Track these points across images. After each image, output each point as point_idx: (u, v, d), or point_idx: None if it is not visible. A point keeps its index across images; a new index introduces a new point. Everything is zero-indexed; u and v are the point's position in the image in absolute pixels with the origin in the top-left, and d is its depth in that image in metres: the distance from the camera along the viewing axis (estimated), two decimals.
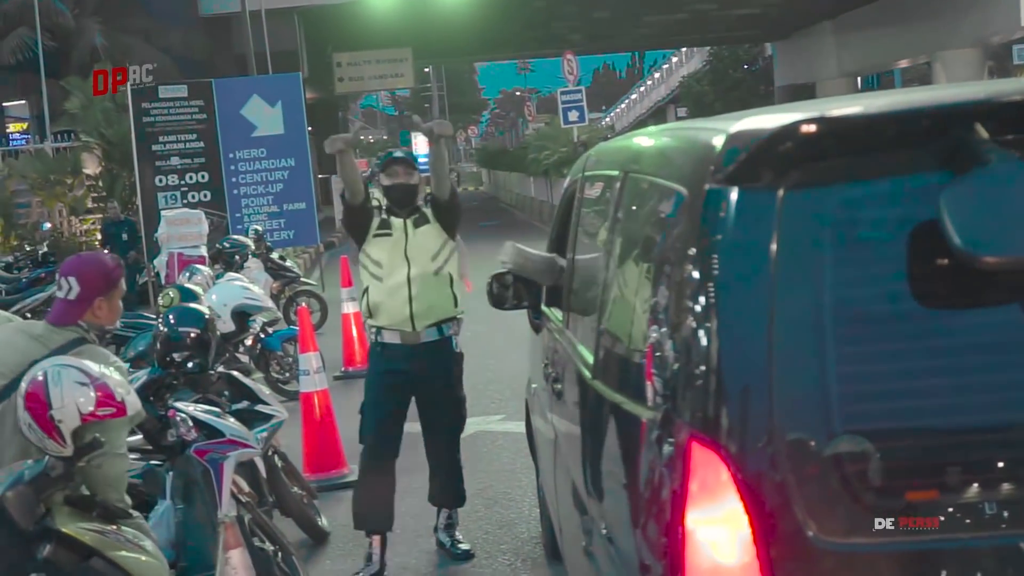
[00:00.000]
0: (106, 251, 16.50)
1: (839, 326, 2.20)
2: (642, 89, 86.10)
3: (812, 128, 2.23)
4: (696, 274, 2.32)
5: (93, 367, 3.97)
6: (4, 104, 37.41)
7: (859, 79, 43.61)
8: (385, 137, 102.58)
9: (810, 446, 2.17)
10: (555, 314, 4.70)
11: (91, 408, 3.88)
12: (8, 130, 39.65)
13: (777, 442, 2.17)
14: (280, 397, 9.90)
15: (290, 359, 10.24)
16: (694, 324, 2.30)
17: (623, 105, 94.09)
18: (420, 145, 67.91)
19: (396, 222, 6.02)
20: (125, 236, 16.98)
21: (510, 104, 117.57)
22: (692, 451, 2.21)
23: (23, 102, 33.36)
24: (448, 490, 6.33)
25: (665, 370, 2.42)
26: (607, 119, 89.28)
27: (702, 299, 2.29)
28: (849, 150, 2.24)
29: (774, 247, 2.23)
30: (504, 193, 46.13)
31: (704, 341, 2.26)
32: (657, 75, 79.19)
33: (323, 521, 6.65)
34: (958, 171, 2.16)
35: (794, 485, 2.15)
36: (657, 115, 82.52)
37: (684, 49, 63.86)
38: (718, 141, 2.40)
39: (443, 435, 6.28)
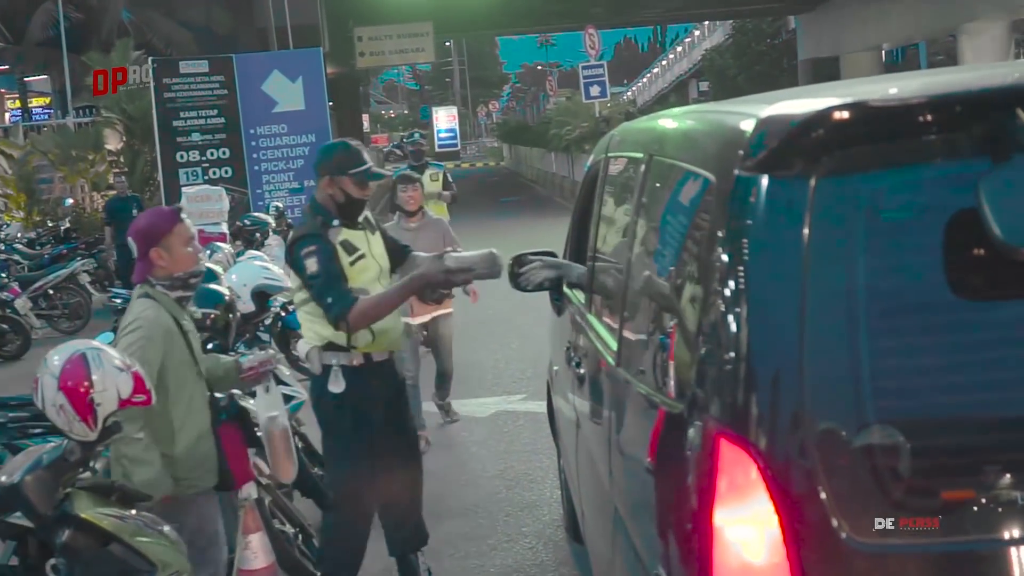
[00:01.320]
0: (110, 228, 16.44)
1: (872, 319, 2.13)
2: (664, 63, 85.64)
3: (845, 114, 2.15)
4: (725, 263, 2.25)
5: (120, 354, 3.97)
6: (26, 79, 37.51)
7: (883, 52, 43.19)
8: (406, 111, 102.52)
9: (842, 443, 2.10)
10: (577, 296, 4.64)
11: (128, 394, 3.87)
12: (30, 103, 39.80)
13: (808, 438, 2.11)
14: (300, 376, 9.88)
15: None
16: (722, 315, 2.23)
17: (645, 79, 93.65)
18: (441, 120, 68.02)
19: (357, 235, 5.02)
20: (135, 212, 16.74)
21: (531, 78, 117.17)
22: (720, 448, 2.14)
23: (45, 77, 33.44)
24: (421, 526, 5.37)
25: (692, 362, 2.35)
26: (629, 93, 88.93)
27: (731, 289, 2.22)
28: (884, 136, 2.16)
29: (805, 236, 2.16)
30: (525, 168, 45.99)
31: (733, 333, 2.19)
32: (679, 49, 78.74)
33: None
34: (997, 158, 2.09)
35: (826, 484, 2.08)
36: (679, 89, 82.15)
37: (707, 23, 63.42)
38: (747, 126, 2.32)
39: (413, 459, 5.32)
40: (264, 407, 4.61)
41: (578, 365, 4.18)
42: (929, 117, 2.13)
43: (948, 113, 2.14)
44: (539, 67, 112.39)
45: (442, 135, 66.21)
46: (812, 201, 2.16)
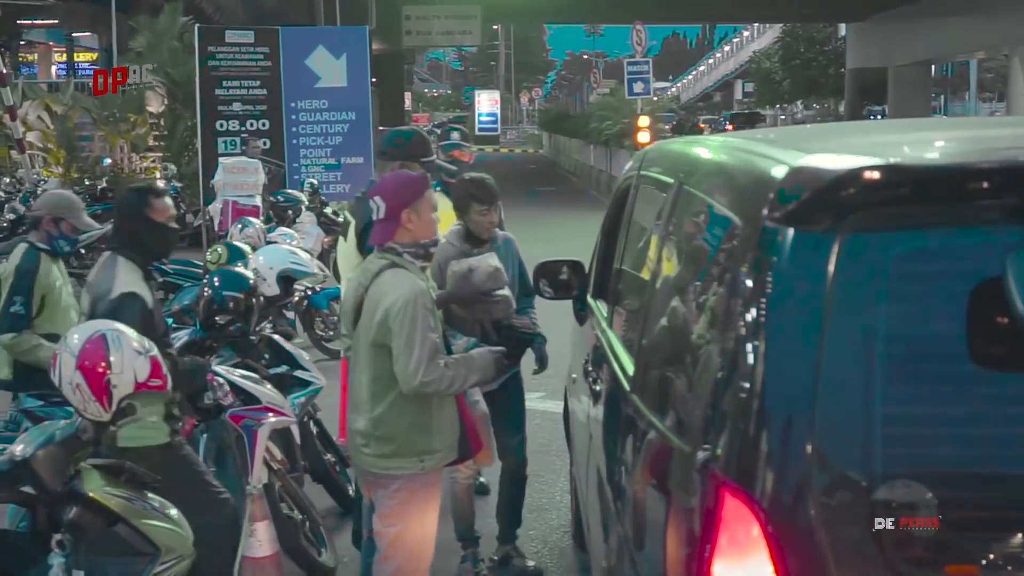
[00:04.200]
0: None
1: (888, 380, 2.10)
2: (711, 61, 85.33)
3: (877, 175, 2.11)
4: (744, 311, 2.22)
5: (141, 338, 3.98)
6: (74, 34, 37.76)
7: (932, 67, 42.80)
8: (449, 91, 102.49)
9: (849, 506, 2.07)
10: (600, 308, 4.62)
11: (144, 378, 3.90)
12: (76, 58, 40.07)
13: (814, 497, 2.08)
14: (323, 355, 9.92)
15: (335, 318, 10.24)
16: (737, 364, 2.21)
17: (691, 76, 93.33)
18: (483, 103, 68.02)
19: None
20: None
21: (576, 67, 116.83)
22: (724, 501, 2.12)
23: (91, 34, 33.65)
24: None
25: (704, 405, 2.33)
26: (673, 89, 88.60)
27: (748, 338, 2.20)
28: (915, 199, 2.13)
29: (828, 292, 2.13)
30: (564, 158, 45.87)
31: (746, 383, 2.17)
32: (727, 48, 78.40)
33: (353, 489, 6.64)
34: None
35: (828, 545, 2.06)
36: (724, 89, 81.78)
37: (756, 24, 63.08)
38: (778, 173, 2.30)
39: None
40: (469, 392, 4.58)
41: (595, 381, 4.16)
42: (962, 184, 2.10)
43: (981, 182, 2.10)
44: (585, 56, 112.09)
45: (483, 119, 66.21)
46: (837, 257, 2.13)
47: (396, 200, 4.18)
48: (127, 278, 4.43)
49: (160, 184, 4.61)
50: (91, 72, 33.77)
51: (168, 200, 4.73)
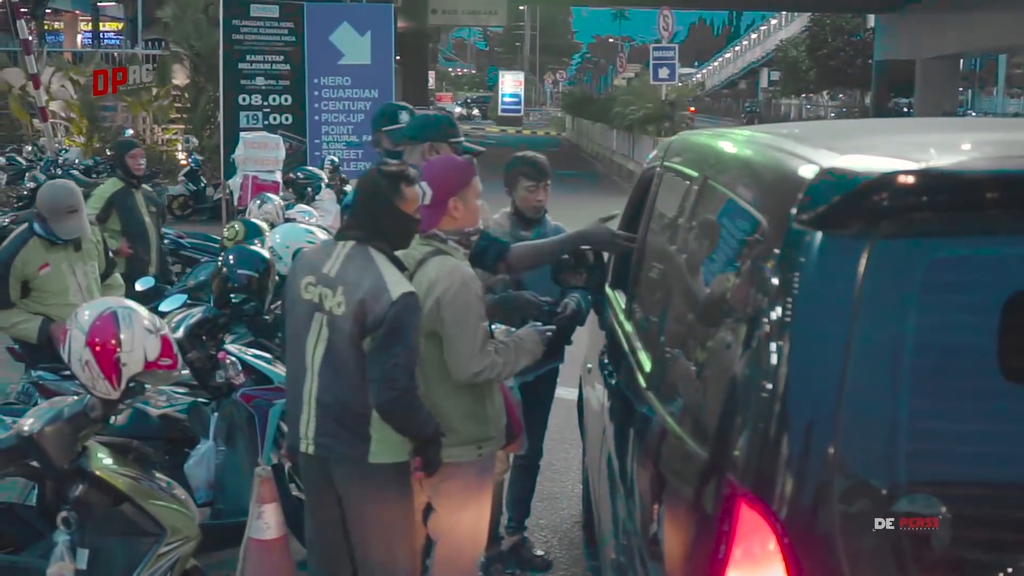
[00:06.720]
0: None
1: (915, 391, 2.03)
2: (737, 48, 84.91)
3: (911, 180, 2.04)
4: (768, 313, 2.15)
5: (153, 316, 3.93)
6: (100, 3, 37.75)
7: (961, 61, 42.41)
8: (473, 71, 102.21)
9: (870, 519, 2.01)
10: (618, 299, 4.55)
11: (155, 357, 3.84)
12: (102, 28, 40.08)
13: (834, 509, 2.02)
14: None
15: None
16: (759, 368, 2.14)
17: (716, 63, 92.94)
18: (507, 84, 67.83)
19: None
20: None
21: (602, 50, 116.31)
22: (740, 512, 2.06)
23: (116, 4, 33.63)
24: None
25: (722, 410, 2.27)
26: (698, 75, 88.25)
27: (771, 342, 2.13)
28: (949, 205, 2.06)
29: (856, 297, 2.06)
30: (586, 142, 45.65)
31: (768, 391, 2.10)
32: (754, 36, 78.02)
33: None
34: None
35: (847, 559, 1.99)
36: (749, 76, 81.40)
37: (784, 12, 62.69)
38: (807, 173, 2.22)
39: None
40: None
41: (611, 374, 4.10)
42: (998, 192, 2.02)
43: (1018, 190, 2.02)
44: (611, 40, 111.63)
45: (506, 99, 66.09)
46: (867, 262, 2.05)
47: (443, 187, 4.05)
48: (394, 275, 3.86)
49: (412, 170, 4.16)
50: (117, 42, 33.79)
51: (418, 188, 4.03)
